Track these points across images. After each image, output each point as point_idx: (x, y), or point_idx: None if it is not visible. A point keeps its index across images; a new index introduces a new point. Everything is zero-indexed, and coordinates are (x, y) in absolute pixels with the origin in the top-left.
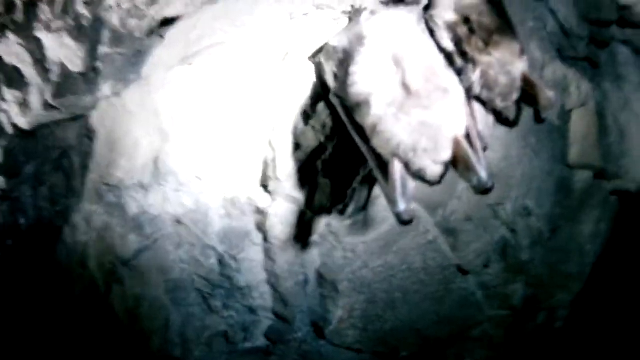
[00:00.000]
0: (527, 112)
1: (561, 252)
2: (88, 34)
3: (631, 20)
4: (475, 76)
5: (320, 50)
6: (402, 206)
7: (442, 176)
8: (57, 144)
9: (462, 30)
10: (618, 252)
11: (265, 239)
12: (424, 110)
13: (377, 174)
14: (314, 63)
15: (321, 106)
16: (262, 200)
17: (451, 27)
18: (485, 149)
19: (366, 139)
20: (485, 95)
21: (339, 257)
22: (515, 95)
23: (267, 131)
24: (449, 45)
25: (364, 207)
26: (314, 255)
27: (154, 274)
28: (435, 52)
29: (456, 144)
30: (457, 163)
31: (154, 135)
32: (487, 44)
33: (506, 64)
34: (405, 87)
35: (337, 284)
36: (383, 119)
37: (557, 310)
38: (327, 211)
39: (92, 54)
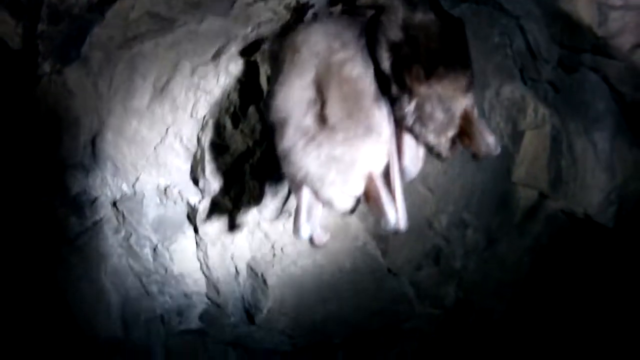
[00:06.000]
0: None
1: (497, 261)
2: (26, 10)
3: (605, 51)
4: (409, 108)
5: (255, 48)
6: (303, 233)
7: (353, 209)
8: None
9: (406, 53)
10: (555, 266)
11: (196, 232)
12: (336, 145)
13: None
14: (249, 62)
15: (252, 109)
16: (193, 194)
17: (394, 48)
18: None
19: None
20: (417, 129)
21: (267, 253)
22: (450, 133)
23: (197, 128)
24: (388, 68)
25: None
26: (244, 249)
27: (94, 256)
28: (369, 81)
29: (369, 181)
30: (369, 200)
31: (92, 116)
32: (429, 74)
33: (447, 98)
34: (322, 118)
35: (266, 278)
36: (293, 149)
37: (488, 314)
38: (256, 212)
39: (31, 32)
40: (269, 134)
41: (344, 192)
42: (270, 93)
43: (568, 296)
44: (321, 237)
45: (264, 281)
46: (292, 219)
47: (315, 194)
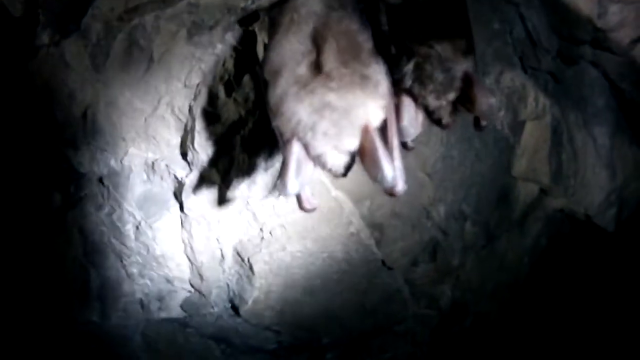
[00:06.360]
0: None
1: (495, 260)
2: None
3: (604, 45)
4: (408, 67)
5: (254, 19)
6: (290, 189)
7: (347, 167)
8: None
9: (405, 15)
10: (554, 269)
11: (182, 209)
12: (330, 91)
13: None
14: (247, 31)
15: (247, 78)
16: (180, 168)
17: (393, 11)
18: (407, 147)
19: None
20: (416, 90)
21: (255, 237)
22: (451, 96)
23: (189, 98)
24: (387, 31)
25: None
26: (231, 230)
27: (76, 234)
28: (367, 37)
29: (364, 134)
30: (364, 156)
31: (87, 90)
32: (428, 35)
33: (447, 60)
34: (316, 67)
35: (252, 264)
36: (285, 97)
37: (484, 317)
38: (245, 188)
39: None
40: (262, 90)
41: (336, 146)
42: (267, 51)
43: (567, 300)
44: (310, 200)
45: (250, 267)
46: (282, 198)
47: (306, 148)
